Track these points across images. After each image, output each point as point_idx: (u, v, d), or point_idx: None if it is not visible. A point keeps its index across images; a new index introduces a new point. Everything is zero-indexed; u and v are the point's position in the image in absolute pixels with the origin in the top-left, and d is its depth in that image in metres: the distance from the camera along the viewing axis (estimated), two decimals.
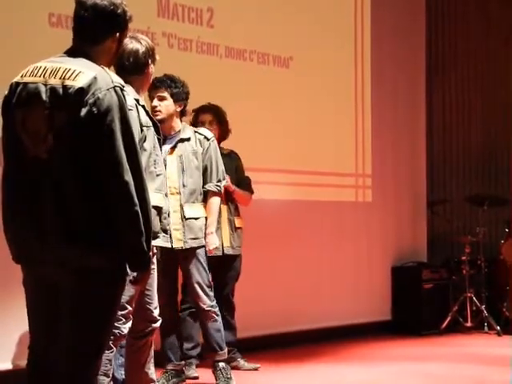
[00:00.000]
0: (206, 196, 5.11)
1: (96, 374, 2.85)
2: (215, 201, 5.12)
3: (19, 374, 4.78)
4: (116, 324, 3.73)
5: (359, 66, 7.87)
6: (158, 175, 3.97)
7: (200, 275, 5.02)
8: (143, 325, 4.02)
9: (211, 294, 5.07)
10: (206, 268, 5.05)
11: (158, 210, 3.89)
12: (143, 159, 3.67)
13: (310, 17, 7.34)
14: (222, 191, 5.20)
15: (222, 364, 5.15)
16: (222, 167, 5.19)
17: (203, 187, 5.10)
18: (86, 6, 2.89)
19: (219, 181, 5.14)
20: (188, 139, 5.07)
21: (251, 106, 6.69)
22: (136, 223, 2.73)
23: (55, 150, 2.73)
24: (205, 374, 5.44)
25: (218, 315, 5.12)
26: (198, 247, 4.99)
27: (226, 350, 5.20)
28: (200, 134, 5.15)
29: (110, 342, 3.72)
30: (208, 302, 5.05)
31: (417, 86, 8.54)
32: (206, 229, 5.04)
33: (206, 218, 5.07)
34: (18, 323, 4.95)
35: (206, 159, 5.11)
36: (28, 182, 2.80)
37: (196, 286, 5.02)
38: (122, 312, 3.78)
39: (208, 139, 5.13)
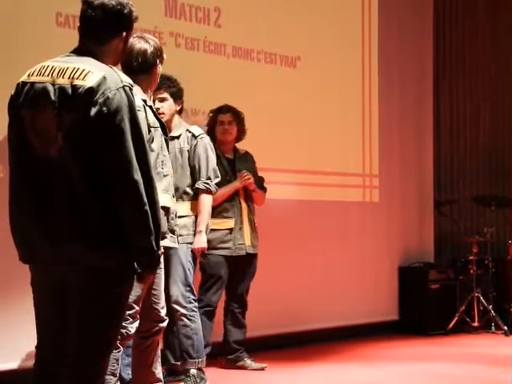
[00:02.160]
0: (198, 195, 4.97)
1: (103, 374, 2.86)
2: (204, 199, 4.94)
3: (20, 373, 4.84)
4: (123, 323, 3.73)
5: (366, 67, 7.86)
6: (165, 176, 3.97)
7: (176, 270, 4.84)
8: (150, 324, 4.02)
9: (187, 293, 4.86)
10: (186, 267, 4.85)
11: (166, 210, 3.90)
12: (151, 160, 3.68)
13: (317, 17, 7.33)
14: (213, 189, 5.00)
15: (193, 371, 4.92)
16: (212, 165, 5.02)
17: (194, 186, 4.99)
18: (94, 5, 2.89)
19: (208, 178, 4.98)
20: (178, 137, 5.01)
21: (258, 106, 6.69)
22: (145, 222, 2.74)
23: (65, 150, 2.73)
24: (213, 373, 5.42)
25: (190, 320, 4.87)
26: (182, 244, 4.68)
27: (198, 359, 4.91)
28: (189, 131, 5.04)
29: (118, 342, 3.72)
30: (180, 300, 4.84)
31: (424, 86, 8.53)
32: (196, 227, 4.89)
33: (197, 216, 4.92)
34: (18, 323, 4.98)
35: (193, 157, 5.00)
36: (38, 182, 2.80)
37: (171, 279, 4.81)
38: (130, 312, 3.79)
39: (196, 137, 5.01)
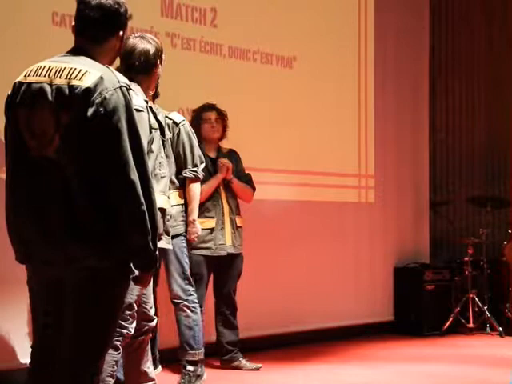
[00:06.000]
0: (184, 183, 4.93)
1: (99, 374, 2.85)
2: (194, 187, 4.92)
3: (15, 373, 4.83)
4: (124, 324, 3.74)
5: (362, 67, 7.86)
6: (162, 177, 3.98)
7: (173, 265, 4.89)
8: (139, 324, 4.01)
9: (186, 287, 4.93)
10: (182, 258, 4.89)
11: (162, 211, 3.90)
12: (150, 161, 3.69)
13: (313, 17, 7.33)
14: (201, 176, 4.96)
15: (190, 367, 4.97)
16: (197, 151, 4.95)
17: (180, 174, 4.92)
18: (91, 5, 2.88)
19: (195, 166, 4.92)
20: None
21: (254, 106, 6.69)
22: (142, 223, 2.73)
23: (63, 150, 2.72)
24: (208, 373, 5.41)
25: (192, 311, 4.95)
26: (172, 236, 4.63)
27: (198, 351, 4.99)
28: (169, 118, 4.91)
29: (118, 343, 3.72)
30: (180, 294, 4.92)
31: (420, 86, 8.53)
32: (187, 216, 4.89)
33: (185, 205, 4.90)
34: (14, 322, 4.98)
35: (177, 145, 4.90)
36: (34, 182, 2.79)
37: (169, 275, 4.91)
38: (130, 311, 3.79)
39: (177, 124, 4.91)
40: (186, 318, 4.96)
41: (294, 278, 6.97)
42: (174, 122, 4.92)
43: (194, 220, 4.91)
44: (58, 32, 5.37)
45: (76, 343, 2.77)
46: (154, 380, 4.10)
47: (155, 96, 4.94)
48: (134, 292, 3.74)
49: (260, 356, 6.15)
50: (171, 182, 4.79)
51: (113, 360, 3.69)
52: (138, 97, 3.74)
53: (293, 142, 7.08)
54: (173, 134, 4.91)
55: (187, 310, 4.95)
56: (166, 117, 4.91)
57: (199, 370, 5.05)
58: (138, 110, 3.57)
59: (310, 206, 7.25)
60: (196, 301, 5.01)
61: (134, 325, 3.86)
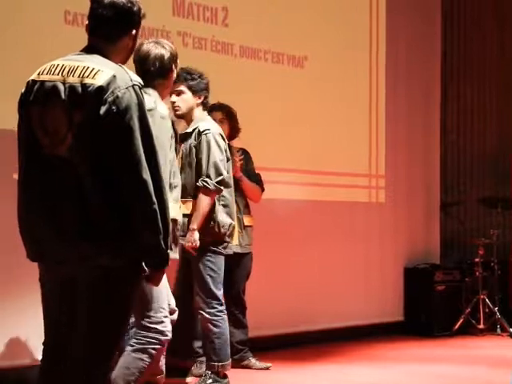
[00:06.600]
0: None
1: (110, 372, 2.87)
2: (201, 197, 4.79)
3: (23, 370, 4.85)
4: (159, 328, 3.70)
5: (374, 67, 7.85)
6: (175, 187, 3.98)
7: (196, 282, 4.90)
8: None
9: (208, 299, 4.87)
10: (205, 273, 4.85)
11: (174, 222, 3.89)
12: (167, 169, 3.70)
13: (325, 17, 7.33)
14: (212, 187, 4.80)
15: (209, 380, 4.95)
16: (213, 162, 4.83)
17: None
18: (104, 3, 2.89)
19: (208, 176, 4.81)
20: (190, 133, 4.93)
21: (265, 106, 6.69)
22: (154, 222, 2.73)
23: (75, 149, 2.73)
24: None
25: (214, 325, 4.88)
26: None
27: (219, 363, 4.93)
28: (198, 127, 4.92)
29: (153, 351, 3.63)
30: (202, 305, 4.88)
31: (432, 91, 8.51)
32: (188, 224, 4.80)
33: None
34: (20, 320, 5.00)
35: (198, 154, 4.88)
36: (47, 180, 2.80)
37: (194, 287, 4.92)
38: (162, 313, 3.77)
39: (200, 133, 4.88)
40: (208, 332, 4.91)
41: (304, 278, 6.97)
42: (199, 131, 4.90)
43: (193, 229, 4.78)
44: (71, 31, 5.39)
45: (89, 342, 2.78)
46: (163, 373, 4.09)
47: (204, 105, 4.98)
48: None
49: (270, 355, 6.15)
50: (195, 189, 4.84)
51: (143, 366, 3.61)
52: (161, 105, 3.80)
53: (304, 141, 7.08)
54: (197, 143, 4.91)
55: (209, 325, 4.89)
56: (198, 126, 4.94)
57: (219, 378, 4.98)
58: (162, 118, 3.71)
59: (321, 206, 7.25)
60: (219, 314, 4.90)
61: (170, 327, 3.75)
